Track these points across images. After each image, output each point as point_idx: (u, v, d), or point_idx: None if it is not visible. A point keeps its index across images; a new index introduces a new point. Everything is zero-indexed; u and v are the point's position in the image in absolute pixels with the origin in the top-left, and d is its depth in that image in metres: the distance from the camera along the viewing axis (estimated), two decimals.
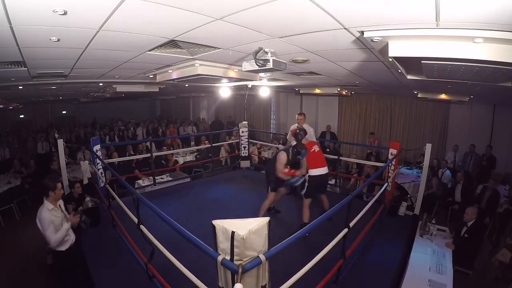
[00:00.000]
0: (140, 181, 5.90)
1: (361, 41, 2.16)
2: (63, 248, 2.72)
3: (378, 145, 8.50)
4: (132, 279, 2.84)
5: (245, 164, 7.03)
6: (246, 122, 7.02)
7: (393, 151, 4.65)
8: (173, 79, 3.89)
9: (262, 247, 1.63)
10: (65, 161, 4.74)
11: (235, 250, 1.52)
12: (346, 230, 2.51)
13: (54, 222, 2.60)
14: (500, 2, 1.26)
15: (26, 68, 3.20)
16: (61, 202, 2.81)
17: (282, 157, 3.68)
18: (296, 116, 4.63)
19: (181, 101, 15.13)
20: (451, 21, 1.55)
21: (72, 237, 2.84)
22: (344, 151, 9.09)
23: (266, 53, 2.58)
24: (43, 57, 2.74)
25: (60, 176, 2.84)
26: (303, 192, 3.90)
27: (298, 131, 3.83)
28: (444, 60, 1.87)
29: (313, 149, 3.86)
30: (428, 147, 4.44)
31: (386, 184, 4.06)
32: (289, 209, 4.56)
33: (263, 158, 8.40)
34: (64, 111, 14.20)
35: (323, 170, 3.89)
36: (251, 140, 7.35)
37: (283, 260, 2.69)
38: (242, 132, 6.91)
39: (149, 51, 2.70)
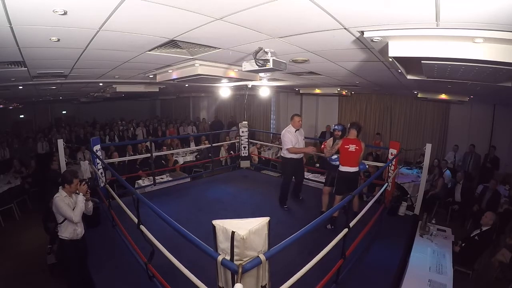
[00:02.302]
0: (140, 181, 5.90)
1: (361, 41, 2.16)
2: (68, 236, 2.79)
3: (379, 146, 8.44)
4: (132, 279, 2.84)
5: (245, 164, 7.03)
6: (246, 122, 7.02)
7: (393, 151, 4.65)
8: (173, 79, 3.89)
9: (262, 247, 1.63)
10: (65, 161, 4.74)
11: (235, 250, 1.52)
12: (346, 230, 2.51)
13: (69, 205, 2.78)
14: (500, 2, 1.26)
15: (26, 68, 3.20)
16: (79, 197, 2.92)
17: (329, 141, 4.47)
18: (297, 118, 4.51)
19: (181, 101, 15.14)
20: (451, 21, 1.55)
21: (79, 229, 2.88)
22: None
23: (266, 53, 2.58)
24: (43, 57, 2.74)
25: (78, 173, 2.99)
26: (334, 189, 4.09)
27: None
28: (444, 60, 1.87)
29: (348, 147, 3.91)
30: (428, 147, 4.44)
31: (386, 184, 4.06)
32: (289, 209, 4.57)
33: (263, 158, 8.40)
34: (64, 111, 14.22)
35: (352, 169, 3.95)
36: (251, 140, 7.36)
37: (283, 260, 2.69)
38: (242, 132, 6.92)
39: (149, 51, 2.70)
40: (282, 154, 4.69)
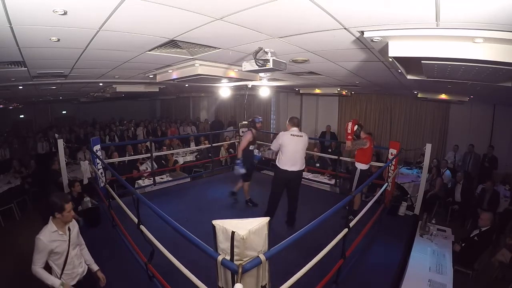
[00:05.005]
0: (140, 181, 5.90)
1: (361, 41, 2.15)
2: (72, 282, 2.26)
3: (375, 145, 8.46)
4: (132, 279, 2.84)
5: None
6: (246, 122, 7.01)
7: (393, 151, 4.65)
8: (173, 79, 3.89)
9: (262, 247, 1.63)
10: (65, 161, 4.74)
11: (235, 250, 1.52)
12: (346, 230, 2.51)
13: (55, 249, 2.12)
14: (500, 2, 1.26)
15: (26, 68, 3.20)
16: (73, 225, 2.31)
17: (248, 135, 4.42)
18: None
19: (181, 101, 15.13)
20: (451, 21, 1.55)
21: (79, 270, 2.32)
22: (344, 151, 9.08)
23: (266, 53, 2.58)
24: (43, 57, 2.74)
25: (69, 195, 2.41)
26: (355, 187, 4.17)
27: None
28: (444, 60, 1.87)
29: (372, 146, 4.16)
30: (428, 147, 4.45)
31: (386, 184, 4.06)
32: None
33: (263, 158, 8.40)
34: (64, 111, 14.22)
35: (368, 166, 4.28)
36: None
37: (283, 260, 2.69)
38: (242, 132, 6.91)
39: (149, 51, 2.70)
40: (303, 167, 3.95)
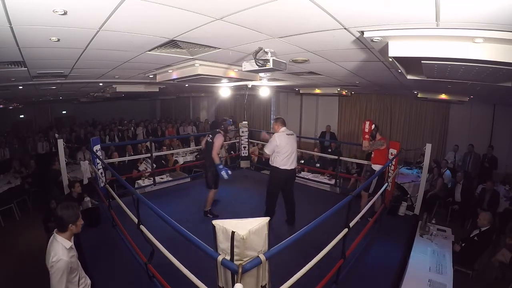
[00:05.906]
0: (140, 181, 5.90)
1: (361, 41, 2.15)
2: None
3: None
4: (132, 279, 2.84)
5: (245, 164, 7.04)
6: (246, 122, 7.02)
7: (393, 151, 4.65)
8: (173, 79, 3.89)
9: (262, 247, 1.63)
10: (65, 161, 4.75)
11: (235, 250, 1.53)
12: (346, 230, 2.51)
13: (73, 267, 1.93)
14: (500, 2, 1.26)
15: (26, 68, 3.20)
16: None
17: (222, 139, 4.13)
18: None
19: (181, 101, 15.14)
20: (451, 21, 1.55)
21: (88, 281, 2.22)
22: (344, 151, 9.10)
23: (266, 53, 2.58)
24: (43, 57, 2.74)
25: (76, 202, 2.26)
26: (372, 189, 4.13)
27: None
28: (444, 60, 1.87)
29: (384, 146, 4.13)
30: (428, 147, 4.45)
31: (386, 184, 4.06)
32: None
33: (263, 159, 8.40)
34: (64, 111, 14.22)
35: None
36: (251, 140, 7.35)
37: (283, 260, 2.69)
38: (242, 132, 6.91)
39: (149, 51, 2.70)
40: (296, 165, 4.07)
